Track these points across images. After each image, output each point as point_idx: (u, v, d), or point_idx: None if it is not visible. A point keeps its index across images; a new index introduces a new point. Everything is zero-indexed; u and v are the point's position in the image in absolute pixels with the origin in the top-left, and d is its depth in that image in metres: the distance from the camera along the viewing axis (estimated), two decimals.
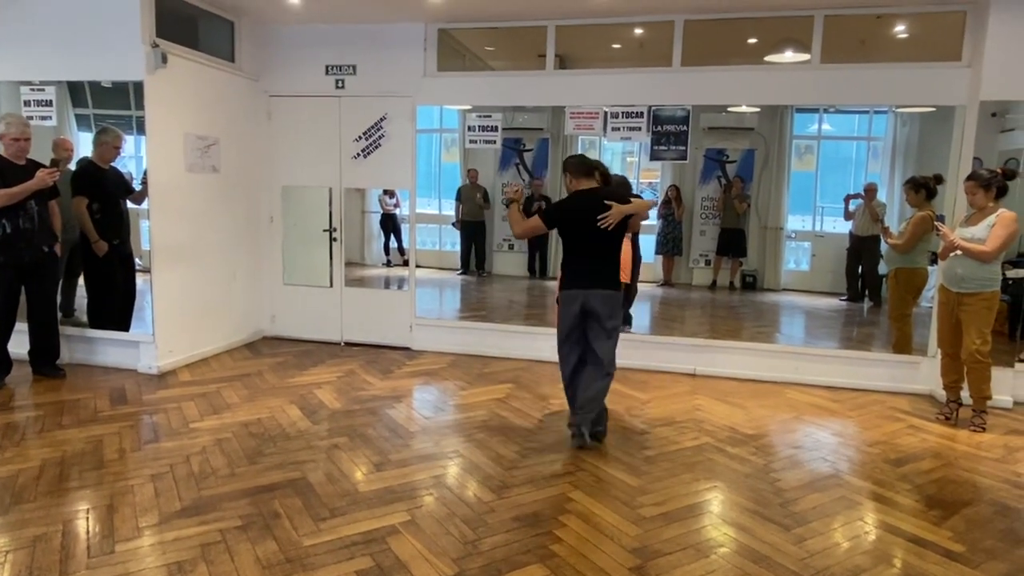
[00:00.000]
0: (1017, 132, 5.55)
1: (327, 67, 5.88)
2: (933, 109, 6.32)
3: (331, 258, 6.08)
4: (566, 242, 3.97)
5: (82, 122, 5.50)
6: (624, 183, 4.89)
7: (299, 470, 3.48)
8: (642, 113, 5.43)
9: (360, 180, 6.11)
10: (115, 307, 5.21)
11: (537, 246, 9.50)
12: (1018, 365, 4.93)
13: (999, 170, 4.35)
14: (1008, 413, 4.69)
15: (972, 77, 4.82)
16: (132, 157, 5.48)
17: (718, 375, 5.38)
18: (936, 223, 4.45)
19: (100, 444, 3.74)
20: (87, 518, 2.96)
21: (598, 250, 3.88)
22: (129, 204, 5.22)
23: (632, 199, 3.95)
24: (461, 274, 9.53)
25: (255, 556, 2.69)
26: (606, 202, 3.80)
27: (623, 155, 10.28)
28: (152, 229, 5.02)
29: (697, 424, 4.31)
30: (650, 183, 10.13)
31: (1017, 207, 4.39)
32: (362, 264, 9.37)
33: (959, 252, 4.27)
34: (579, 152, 9.25)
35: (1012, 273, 5.29)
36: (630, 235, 4.25)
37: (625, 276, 4.20)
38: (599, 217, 3.77)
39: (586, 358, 3.93)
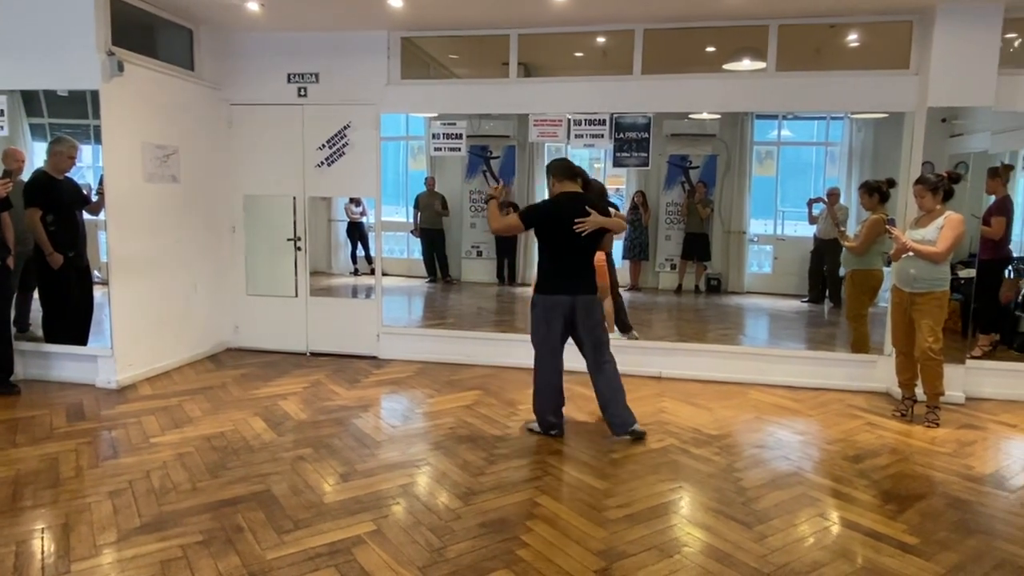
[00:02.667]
0: (966, 137, 5.75)
1: (289, 75, 5.84)
2: (886, 115, 6.52)
3: (296, 267, 6.03)
4: (544, 244, 4.00)
5: (37, 132, 5.36)
6: (601, 190, 4.86)
7: (263, 483, 3.43)
8: (604, 120, 5.51)
9: (324, 189, 6.06)
10: (72, 321, 5.09)
11: (506, 253, 9.53)
12: (969, 362, 5.10)
13: (945, 174, 4.51)
14: (961, 408, 4.84)
15: (920, 84, 4.99)
16: (90, 167, 5.36)
17: (684, 377, 5.46)
18: (888, 226, 4.59)
19: (56, 462, 3.64)
20: (42, 538, 2.88)
21: (576, 254, 3.94)
22: (86, 215, 5.11)
23: (613, 214, 4.05)
24: (429, 282, 9.51)
25: (217, 571, 2.65)
26: (588, 208, 3.88)
27: (590, 161, 10.39)
28: (109, 240, 4.92)
29: (662, 426, 4.37)
30: (617, 189, 10.25)
31: (965, 210, 4.56)
32: (329, 273, 9.28)
33: (911, 253, 4.41)
34: (552, 157, 9.35)
35: (964, 273, 5.47)
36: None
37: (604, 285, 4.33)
38: (577, 221, 3.85)
39: (592, 367, 4.08)
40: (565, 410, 4.24)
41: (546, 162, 9.06)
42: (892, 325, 4.73)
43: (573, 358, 4.19)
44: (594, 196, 4.12)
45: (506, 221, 4.04)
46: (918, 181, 4.51)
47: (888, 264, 5.24)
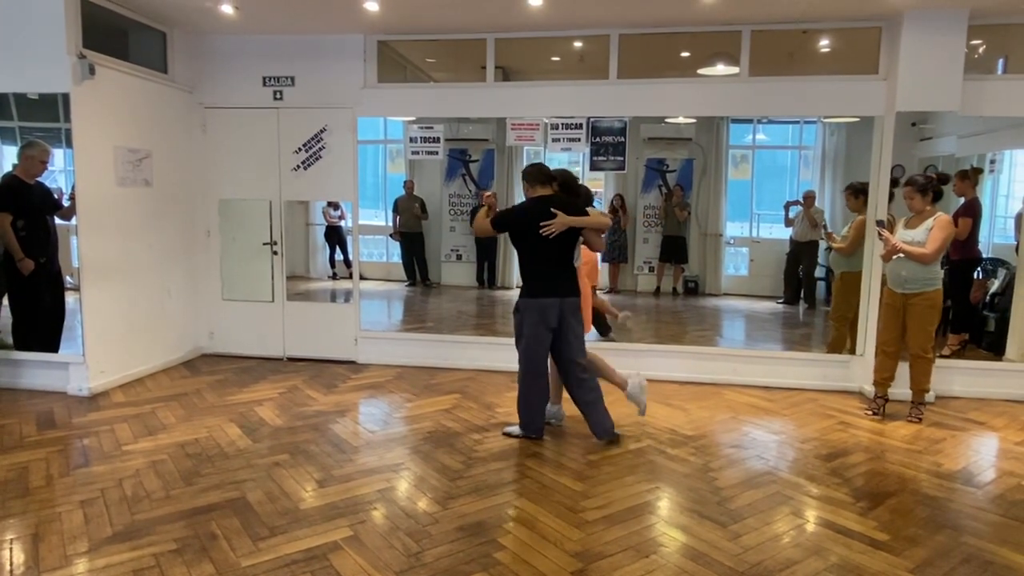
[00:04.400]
0: (935, 140, 5.88)
1: (264, 78, 5.80)
2: (857, 119, 6.63)
3: (272, 272, 5.98)
4: (518, 249, 4.05)
5: (7, 135, 5.28)
6: (587, 193, 4.56)
7: (238, 490, 3.40)
8: (581, 124, 5.54)
9: (301, 192, 6.03)
10: (43, 327, 5.00)
11: (487, 256, 9.55)
12: (939, 361, 5.18)
13: (934, 175, 4.59)
14: (931, 407, 4.92)
15: (888, 89, 5.08)
16: (62, 171, 5.28)
17: (661, 379, 5.49)
18: (878, 228, 4.63)
19: (25, 471, 3.58)
20: (10, 549, 2.83)
21: (551, 256, 3.94)
22: (57, 220, 5.03)
23: (589, 212, 4.00)
24: (408, 285, 9.49)
25: None
26: (552, 210, 3.87)
27: (569, 165, 10.45)
28: (81, 245, 4.85)
29: (639, 427, 4.40)
30: (596, 192, 10.31)
31: (943, 211, 4.63)
32: (307, 277, 9.23)
33: (902, 255, 4.48)
34: (534, 161, 9.39)
35: None
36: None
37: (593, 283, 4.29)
38: (542, 224, 3.86)
39: (565, 369, 4.05)
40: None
41: (524, 166, 9.14)
42: (883, 325, 4.75)
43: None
44: (565, 197, 4.05)
45: (483, 225, 4.15)
46: (907, 183, 4.57)
47: None
